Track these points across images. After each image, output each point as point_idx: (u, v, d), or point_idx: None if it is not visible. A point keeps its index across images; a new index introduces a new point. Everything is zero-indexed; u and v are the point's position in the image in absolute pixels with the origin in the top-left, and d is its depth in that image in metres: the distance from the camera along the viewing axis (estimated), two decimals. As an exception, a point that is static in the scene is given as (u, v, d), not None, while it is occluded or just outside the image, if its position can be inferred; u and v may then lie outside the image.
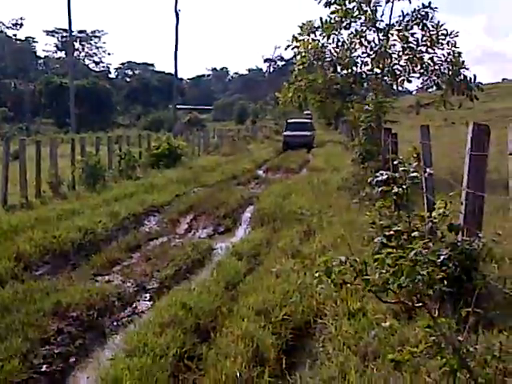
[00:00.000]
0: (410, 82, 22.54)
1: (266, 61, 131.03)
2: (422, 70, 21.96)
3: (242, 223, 16.18)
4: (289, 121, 51.05)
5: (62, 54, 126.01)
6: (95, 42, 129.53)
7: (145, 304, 9.46)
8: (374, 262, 4.25)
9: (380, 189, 7.54)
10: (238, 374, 5.82)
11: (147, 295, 9.83)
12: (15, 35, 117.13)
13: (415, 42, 21.74)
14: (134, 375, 6.01)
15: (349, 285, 4.21)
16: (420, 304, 4.01)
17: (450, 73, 21.60)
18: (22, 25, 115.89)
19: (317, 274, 4.26)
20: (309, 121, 52.05)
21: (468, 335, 4.33)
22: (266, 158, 37.29)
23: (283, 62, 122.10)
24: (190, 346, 6.97)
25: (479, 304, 5.67)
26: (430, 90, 24.31)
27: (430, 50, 21.66)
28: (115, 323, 8.67)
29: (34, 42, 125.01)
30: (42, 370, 6.94)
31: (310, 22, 22.06)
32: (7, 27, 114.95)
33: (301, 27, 22.27)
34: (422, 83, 23.31)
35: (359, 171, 17.81)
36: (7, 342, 7.18)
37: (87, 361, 7.53)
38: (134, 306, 9.39)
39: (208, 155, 38.16)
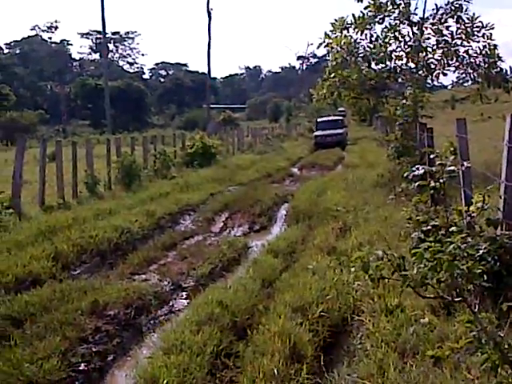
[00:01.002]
0: (445, 75, 22.20)
1: (298, 58, 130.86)
2: (457, 64, 21.64)
3: (277, 221, 16.15)
4: (319, 120, 49.66)
5: (96, 56, 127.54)
6: (129, 44, 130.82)
7: (181, 302, 9.49)
8: (411, 256, 4.18)
9: (417, 183, 7.47)
10: (276, 371, 5.78)
11: (183, 293, 9.86)
12: (50, 38, 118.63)
13: (450, 35, 21.41)
14: (172, 373, 6.01)
15: (386, 280, 4.14)
16: (460, 299, 3.94)
17: (486, 65, 21.26)
18: (56, 28, 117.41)
19: (353, 270, 4.20)
20: (340, 118, 50.09)
21: (509, 330, 4.25)
22: (301, 156, 37.21)
23: (316, 59, 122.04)
24: (227, 344, 6.96)
25: (520, 299, 5.58)
26: (465, 84, 24.03)
27: (465, 43, 21.31)
28: (152, 321, 8.72)
29: (69, 44, 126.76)
30: (81, 368, 6.99)
31: (342, 18, 21.87)
32: (42, 30, 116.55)
33: (333, 24, 22.08)
34: (457, 77, 23.05)
35: (395, 167, 17.62)
36: (46, 340, 7.25)
37: (125, 359, 7.58)
38: (171, 304, 9.43)
39: (242, 154, 38.21)
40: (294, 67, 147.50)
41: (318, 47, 23.99)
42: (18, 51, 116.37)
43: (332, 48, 22.48)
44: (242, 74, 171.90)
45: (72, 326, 7.85)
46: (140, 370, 6.36)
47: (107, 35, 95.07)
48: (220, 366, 6.55)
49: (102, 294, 9.00)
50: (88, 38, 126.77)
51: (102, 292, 9.15)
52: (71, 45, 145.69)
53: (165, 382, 5.82)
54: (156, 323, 8.64)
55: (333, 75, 22.15)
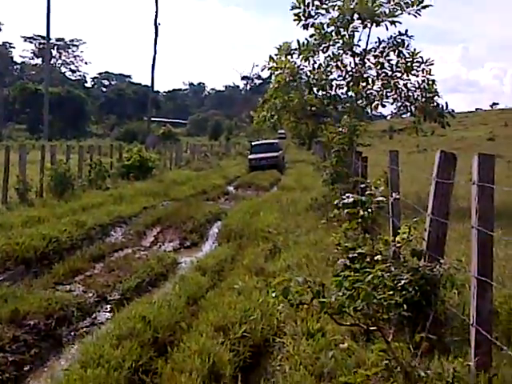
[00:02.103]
0: (384, 106, 22.72)
1: (243, 78, 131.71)
2: (395, 96, 22.14)
3: (209, 238, 16.15)
4: (253, 143, 49.16)
5: (38, 61, 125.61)
6: (73, 51, 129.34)
7: (104, 315, 9.38)
8: (332, 283, 4.24)
9: (346, 211, 7.58)
10: (192, 390, 5.76)
11: (107, 306, 9.76)
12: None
13: (390, 68, 21.91)
14: (88, 387, 5.92)
15: (306, 306, 4.19)
16: (374, 328, 4.01)
17: (424, 100, 21.81)
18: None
19: (274, 294, 4.23)
20: (275, 141, 49.48)
21: (421, 360, 4.34)
22: (238, 175, 37.33)
23: (260, 81, 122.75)
24: (147, 360, 6.90)
25: (437, 330, 5.71)
26: (403, 115, 24.53)
27: (404, 77, 21.85)
28: (73, 333, 8.59)
29: (11, 47, 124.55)
30: (-5, 377, 6.82)
31: (287, 43, 22.14)
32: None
33: (278, 49, 22.34)
34: (395, 109, 23.50)
35: (329, 192, 17.82)
36: (-40, 347, 7.06)
37: (41, 370, 7.45)
38: (94, 316, 9.32)
39: (179, 169, 38.09)
40: (237, 87, 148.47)
41: (263, 70, 24.20)
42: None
43: (276, 70, 22.70)
44: (185, 90, 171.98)
45: (-11, 333, 7.67)
46: (55, 383, 6.24)
47: (51, 41, 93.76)
48: (137, 381, 6.48)
49: (23, 303, 8.82)
50: (31, 43, 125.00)
51: (24, 301, 8.97)
52: (13, 48, 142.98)
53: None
54: (77, 335, 8.51)
55: (274, 97, 22.37)
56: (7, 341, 7.70)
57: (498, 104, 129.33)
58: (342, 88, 22.69)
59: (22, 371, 7.25)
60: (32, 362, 7.52)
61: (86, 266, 12.04)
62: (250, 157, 44.18)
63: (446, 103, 21.93)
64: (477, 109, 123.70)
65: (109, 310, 9.60)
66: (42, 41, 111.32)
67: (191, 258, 12.94)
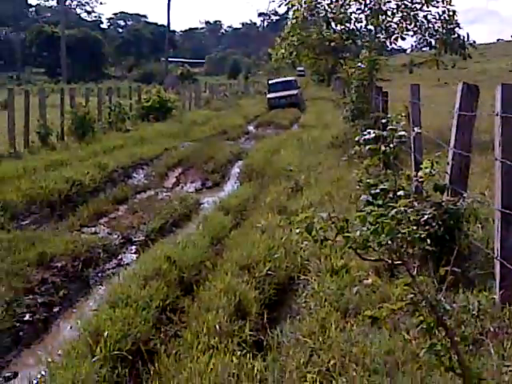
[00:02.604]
0: (403, 39, 22.41)
1: (260, 15, 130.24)
2: (415, 28, 21.79)
3: (231, 178, 16.20)
4: (270, 82, 47.96)
5: (53, 3, 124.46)
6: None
7: (130, 256, 9.50)
8: (355, 219, 4.24)
9: (367, 147, 7.53)
10: (219, 327, 5.84)
11: (132, 247, 9.88)
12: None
13: (410, 0, 21.51)
14: (117, 326, 6.02)
15: (330, 242, 4.19)
16: (399, 262, 4.02)
17: (444, 31, 21.43)
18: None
19: (297, 231, 4.24)
20: (293, 79, 48.00)
21: (446, 294, 4.36)
22: (257, 114, 37.14)
23: (277, 17, 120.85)
24: (173, 299, 6.99)
25: (461, 264, 5.72)
26: (424, 48, 24.17)
27: (424, 8, 21.46)
28: (100, 275, 8.73)
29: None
30: (25, 318, 6.98)
31: (305, -23, 21.78)
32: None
33: (295, -18, 21.99)
34: (415, 41, 23.17)
35: (349, 129, 17.72)
36: (-9, 290, 7.20)
37: (70, 311, 7.59)
38: (120, 257, 9.44)
39: (199, 109, 37.93)
40: (255, 24, 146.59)
41: (280, 6, 23.85)
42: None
43: (293, 6, 22.37)
44: (202, 29, 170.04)
45: (18, 276, 7.83)
46: (85, 323, 6.36)
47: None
48: (165, 320, 6.58)
49: (49, 246, 8.95)
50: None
51: (50, 243, 9.09)
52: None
53: (109, 334, 5.83)
54: (103, 276, 8.65)
55: (292, 34, 22.09)
56: (36, 283, 7.85)
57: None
58: (361, 22, 22.43)
59: (52, 312, 7.39)
60: (61, 304, 7.65)
61: (110, 208, 12.17)
62: (268, 96, 43.55)
63: (468, 34, 21.62)
64: (498, 40, 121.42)
65: (134, 251, 9.72)
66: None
67: (213, 198, 13.00)
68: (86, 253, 9.05)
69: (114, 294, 6.95)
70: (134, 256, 9.43)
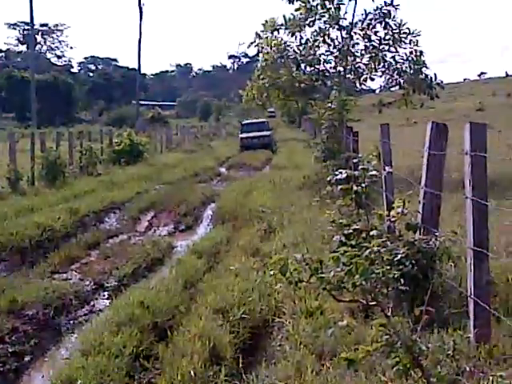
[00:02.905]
0: (372, 80, 22.70)
1: (230, 57, 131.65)
2: (384, 69, 22.10)
3: (203, 221, 16.13)
4: (244, 122, 48.75)
5: (23, 48, 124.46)
6: (57, 36, 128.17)
7: (102, 302, 9.38)
8: (329, 260, 4.24)
9: (339, 187, 7.56)
10: (194, 373, 5.76)
11: (105, 293, 9.76)
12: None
13: (378, 41, 21.87)
14: (89, 374, 5.92)
15: (304, 283, 4.18)
16: (374, 303, 4.01)
17: (412, 71, 21.77)
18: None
19: (271, 273, 4.22)
20: (265, 120, 48.70)
21: (421, 334, 4.34)
22: (229, 156, 37.28)
23: (247, 59, 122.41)
24: (147, 345, 6.90)
25: (435, 303, 5.72)
26: (392, 88, 24.49)
27: (392, 49, 21.81)
28: (72, 322, 8.58)
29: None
30: (-4, 369, 6.82)
31: (273, 19, 22.05)
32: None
33: (264, 25, 22.23)
34: (384, 82, 23.48)
35: (321, 169, 17.83)
36: (-41, 341, 7.05)
37: (42, 360, 7.45)
38: (92, 304, 9.31)
39: (170, 152, 38.00)
40: (225, 66, 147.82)
41: (249, 47, 24.06)
42: None
43: (262, 48, 22.62)
44: (172, 71, 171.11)
45: (-12, 325, 7.66)
46: (57, 372, 6.24)
47: (35, 27, 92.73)
48: (139, 367, 6.49)
49: (20, 293, 8.81)
50: (15, 29, 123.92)
51: (21, 291, 8.96)
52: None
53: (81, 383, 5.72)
54: (76, 323, 8.51)
55: (262, 76, 22.29)
56: (6, 332, 7.70)
57: (485, 73, 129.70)
58: (330, 63, 22.65)
59: (23, 362, 7.24)
60: (32, 353, 7.51)
61: (82, 253, 12.04)
62: (241, 136, 43.75)
63: (435, 74, 21.78)
64: (465, 79, 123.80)
65: (106, 296, 9.60)
66: (26, 27, 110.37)
67: (187, 242, 12.95)
68: (58, 300, 8.91)
69: (87, 341, 6.85)
70: (107, 302, 9.31)
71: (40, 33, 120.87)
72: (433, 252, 6.22)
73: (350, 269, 3.95)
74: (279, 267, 4.16)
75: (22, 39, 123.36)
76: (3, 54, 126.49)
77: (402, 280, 5.51)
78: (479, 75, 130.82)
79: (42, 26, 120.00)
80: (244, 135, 42.95)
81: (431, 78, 22.02)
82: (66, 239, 13.19)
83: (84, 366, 6.09)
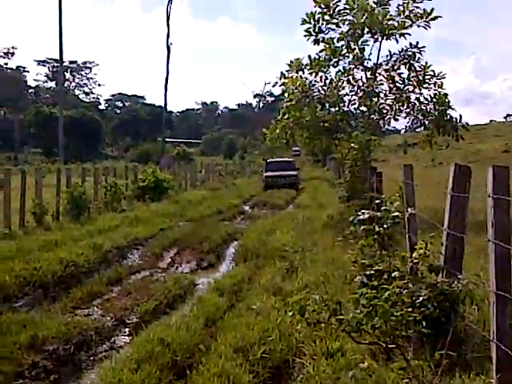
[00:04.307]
0: (396, 120, 22.70)
1: (255, 96, 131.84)
2: (408, 110, 22.12)
3: (226, 259, 16.12)
4: (269, 160, 47.41)
5: (52, 84, 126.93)
6: (86, 73, 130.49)
7: (123, 339, 9.36)
8: (349, 301, 4.22)
9: (362, 228, 7.56)
10: (212, 413, 5.72)
11: (126, 330, 9.73)
12: (6, 64, 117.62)
13: (402, 82, 21.93)
14: (108, 412, 5.90)
15: (324, 324, 4.16)
16: (394, 346, 3.98)
17: (437, 113, 21.76)
18: (13, 54, 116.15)
19: (291, 313, 4.21)
20: (291, 159, 48.07)
21: (442, 378, 4.29)
22: (253, 194, 37.29)
23: (273, 98, 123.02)
24: (166, 383, 6.87)
25: (457, 346, 5.64)
26: (417, 129, 24.48)
27: (416, 90, 21.84)
28: (92, 358, 8.57)
29: (25, 71, 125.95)
30: (15, 404, 6.82)
31: (298, 59, 22.21)
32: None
33: (289, 65, 22.42)
34: (408, 122, 23.47)
35: (345, 209, 17.81)
36: (-20, 374, 7.07)
37: (62, 396, 7.42)
38: (112, 340, 9.29)
39: (195, 189, 38.13)
40: (250, 105, 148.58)
41: (274, 86, 24.15)
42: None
43: (287, 88, 22.77)
44: (198, 109, 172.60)
45: (9, 360, 7.69)
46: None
47: (64, 63, 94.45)
48: (157, 406, 6.46)
49: (41, 328, 8.82)
50: (45, 66, 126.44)
51: (43, 326, 8.97)
52: (27, 72, 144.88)
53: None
54: (95, 360, 8.49)
55: (286, 116, 22.41)
56: (27, 367, 7.70)
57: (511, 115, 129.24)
58: (355, 103, 22.74)
59: (42, 397, 7.24)
60: (52, 389, 7.51)
61: (104, 289, 12.06)
62: (265, 174, 42.58)
63: (460, 116, 21.70)
64: (491, 121, 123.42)
65: (127, 333, 9.59)
66: (56, 64, 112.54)
67: (208, 279, 12.94)
68: (79, 335, 8.92)
69: (106, 378, 6.84)
70: (127, 338, 9.30)
71: (69, 70, 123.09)
72: (455, 295, 6.16)
73: (369, 310, 3.94)
74: (298, 308, 4.15)
75: (51, 76, 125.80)
76: (32, 90, 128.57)
77: (423, 323, 5.46)
78: (505, 117, 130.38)
79: (71, 63, 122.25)
80: (269, 174, 41.93)
81: (456, 119, 21.98)
82: (89, 275, 13.24)
83: (103, 403, 6.08)
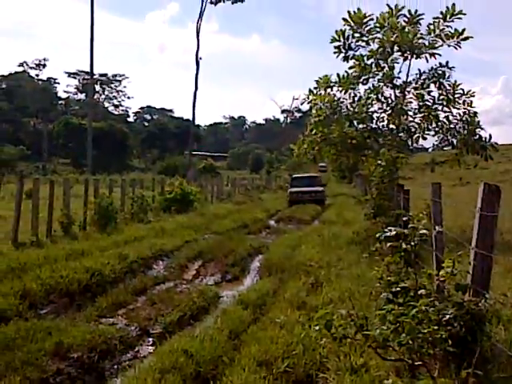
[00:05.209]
0: (425, 139, 22.58)
1: (283, 112, 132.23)
2: (437, 128, 22.03)
3: (250, 272, 16.11)
4: (294, 176, 46.37)
5: (82, 96, 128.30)
6: (116, 86, 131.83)
7: (147, 348, 9.41)
8: (376, 317, 4.21)
9: (388, 244, 7.52)
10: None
11: (150, 340, 9.78)
12: (37, 75, 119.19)
13: (431, 100, 21.87)
14: (131, 421, 5.93)
15: (349, 340, 4.15)
16: (420, 363, 3.96)
17: (465, 132, 21.64)
18: (45, 65, 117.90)
19: (317, 328, 4.21)
20: (317, 175, 47.41)
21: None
22: (279, 209, 37.24)
23: (300, 114, 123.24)
24: (189, 394, 6.89)
25: (483, 366, 5.59)
26: (445, 148, 24.35)
27: (445, 109, 21.76)
28: (116, 366, 8.63)
29: (56, 82, 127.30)
30: (39, 410, 6.87)
31: (327, 76, 22.29)
32: (30, 67, 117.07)
33: (317, 81, 22.48)
34: (437, 141, 23.36)
35: (370, 226, 17.72)
36: (6, 380, 7.13)
37: (85, 404, 7.47)
38: (136, 349, 9.35)
39: (221, 202, 38.22)
40: (278, 120, 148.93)
41: (302, 103, 24.26)
42: (3, 86, 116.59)
43: (315, 104, 22.81)
44: (226, 123, 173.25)
45: (34, 366, 7.76)
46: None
47: (95, 76, 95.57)
48: (180, 416, 6.47)
49: (66, 336, 8.90)
50: (75, 78, 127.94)
51: (68, 333, 9.05)
52: (58, 83, 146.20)
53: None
54: (119, 368, 8.54)
55: (314, 132, 22.43)
56: (51, 374, 7.77)
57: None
58: (383, 121, 22.71)
59: (66, 404, 7.29)
60: (75, 396, 7.56)
61: (129, 299, 12.13)
62: (290, 190, 41.60)
63: (490, 135, 21.54)
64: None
65: (151, 343, 9.63)
66: (86, 76, 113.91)
67: (233, 292, 12.95)
68: (103, 344, 8.97)
69: (129, 387, 6.86)
70: (151, 348, 9.34)
71: (99, 82, 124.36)
72: (482, 314, 6.10)
73: (396, 327, 3.93)
74: (324, 322, 4.15)
75: (81, 88, 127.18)
76: (63, 101, 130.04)
77: (449, 341, 5.42)
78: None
79: (101, 75, 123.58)
80: (294, 190, 40.98)
81: (485, 138, 21.83)
82: (114, 284, 13.32)
83: (126, 412, 6.11)
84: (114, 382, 8.01)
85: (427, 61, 21.78)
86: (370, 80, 22.10)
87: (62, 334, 8.97)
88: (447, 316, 5.86)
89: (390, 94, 22.27)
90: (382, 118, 22.60)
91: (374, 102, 22.38)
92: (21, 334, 8.86)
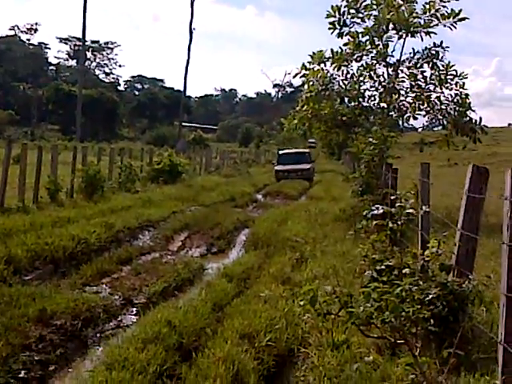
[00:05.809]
0: (415, 118, 22.61)
1: (275, 86, 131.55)
2: (428, 109, 22.02)
3: (236, 245, 16.15)
4: (281, 152, 42.99)
5: (73, 63, 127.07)
6: (107, 53, 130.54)
7: (130, 318, 9.42)
8: (360, 295, 4.23)
9: (375, 223, 7.54)
10: (215, 397, 5.75)
11: (133, 309, 9.80)
12: (29, 40, 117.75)
13: (424, 80, 21.83)
14: (112, 389, 5.94)
15: (332, 316, 4.17)
16: (402, 341, 3.98)
17: (456, 113, 21.65)
18: (36, 30, 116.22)
19: (302, 303, 4.22)
20: (306, 151, 43.69)
21: (448, 376, 4.30)
22: (267, 183, 37.24)
23: (292, 89, 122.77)
24: (171, 364, 6.90)
25: (464, 346, 5.64)
26: (435, 128, 24.37)
27: (437, 89, 21.73)
28: (98, 335, 8.64)
29: (47, 48, 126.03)
30: (20, 375, 6.89)
31: (321, 52, 22.17)
32: (21, 31, 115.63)
33: (311, 56, 22.35)
34: (427, 121, 23.40)
35: (357, 203, 17.75)
36: (-13, 344, 7.13)
37: (66, 370, 7.50)
38: (120, 319, 9.36)
39: (209, 175, 38.18)
40: (269, 94, 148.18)
41: (295, 77, 24.18)
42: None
43: (308, 80, 22.71)
44: (217, 96, 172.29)
45: (16, 332, 7.74)
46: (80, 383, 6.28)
47: (86, 43, 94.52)
48: (161, 386, 6.49)
49: (50, 303, 8.89)
50: (66, 44, 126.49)
51: (51, 300, 9.04)
52: (49, 49, 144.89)
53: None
54: (102, 337, 8.56)
55: (305, 107, 22.36)
56: (34, 340, 7.77)
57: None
58: (374, 99, 22.66)
59: (48, 371, 7.30)
60: (57, 362, 7.57)
61: (114, 268, 12.13)
62: (276, 168, 39.21)
63: (480, 118, 21.54)
64: (509, 124, 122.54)
65: (134, 313, 9.65)
66: (77, 42, 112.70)
67: (218, 265, 12.95)
68: (87, 312, 8.98)
69: (112, 355, 6.87)
70: (135, 318, 9.36)
71: (90, 49, 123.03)
72: (465, 295, 6.14)
73: (380, 305, 3.94)
74: (309, 298, 4.16)
75: (72, 54, 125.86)
76: (53, 67, 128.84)
77: (431, 320, 5.45)
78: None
79: (93, 42, 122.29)
80: (280, 167, 38.69)
81: (476, 121, 21.85)
82: (99, 253, 13.31)
83: (107, 380, 6.12)
84: (96, 350, 8.01)
85: (422, 40, 21.71)
86: (364, 57, 22.02)
87: (46, 301, 8.95)
88: (430, 295, 5.89)
89: (383, 73, 22.23)
90: (374, 96, 22.56)
91: (366, 80, 22.33)
92: (4, 299, 8.86)
